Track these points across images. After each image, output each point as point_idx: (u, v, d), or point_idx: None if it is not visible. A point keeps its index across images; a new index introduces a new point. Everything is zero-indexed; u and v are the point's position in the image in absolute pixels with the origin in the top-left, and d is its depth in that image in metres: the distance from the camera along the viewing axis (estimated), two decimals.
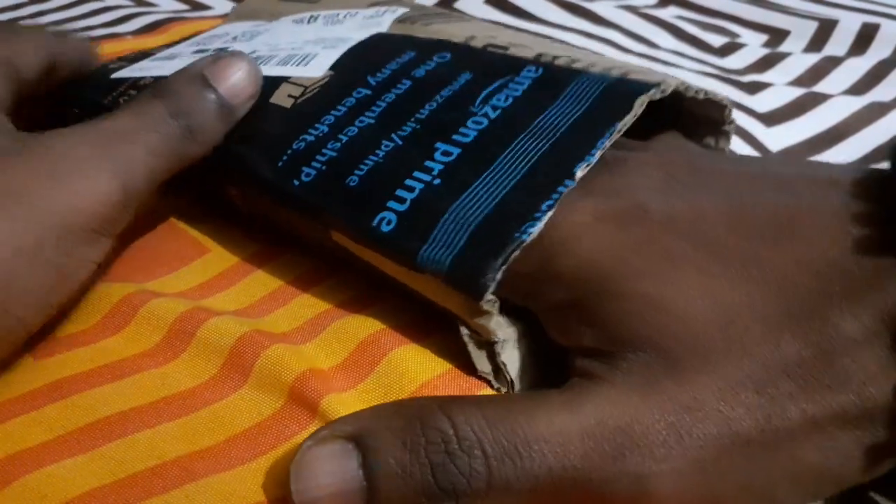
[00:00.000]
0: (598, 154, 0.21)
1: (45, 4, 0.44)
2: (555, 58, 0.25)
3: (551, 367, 0.21)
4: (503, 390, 0.21)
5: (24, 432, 0.20)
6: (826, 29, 0.44)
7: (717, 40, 0.44)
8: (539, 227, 0.20)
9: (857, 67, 0.40)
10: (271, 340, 0.22)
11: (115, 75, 0.31)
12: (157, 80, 0.26)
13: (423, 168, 0.22)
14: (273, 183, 0.24)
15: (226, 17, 0.43)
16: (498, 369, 0.21)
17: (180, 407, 0.20)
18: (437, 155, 0.22)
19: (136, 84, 0.29)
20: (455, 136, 0.23)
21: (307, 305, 0.24)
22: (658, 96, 0.22)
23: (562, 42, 0.31)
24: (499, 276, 0.20)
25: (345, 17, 0.32)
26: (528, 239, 0.20)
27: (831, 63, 0.41)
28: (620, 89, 0.23)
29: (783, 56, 0.42)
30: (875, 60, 0.40)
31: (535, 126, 0.23)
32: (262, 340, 0.22)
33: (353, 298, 0.24)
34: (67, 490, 0.18)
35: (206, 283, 0.25)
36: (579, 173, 0.21)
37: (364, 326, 0.22)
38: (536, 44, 0.27)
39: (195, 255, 0.26)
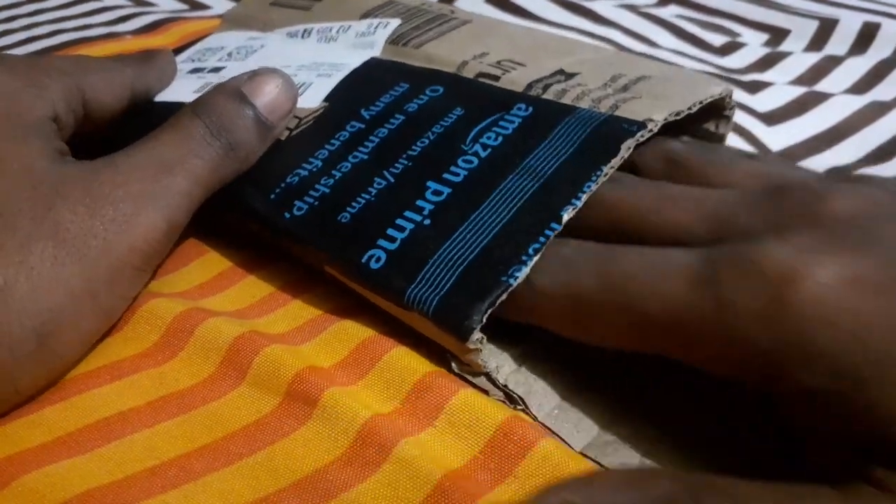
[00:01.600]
0: (584, 198, 0.21)
1: (44, 3, 0.44)
2: (546, 87, 0.25)
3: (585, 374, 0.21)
4: (519, 407, 0.21)
5: (24, 434, 0.19)
6: (827, 28, 0.44)
7: (717, 39, 0.44)
8: (525, 270, 0.20)
9: (857, 67, 0.40)
10: (269, 341, 0.22)
11: None
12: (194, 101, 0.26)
13: (414, 208, 0.22)
14: (264, 215, 0.24)
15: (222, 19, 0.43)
16: (507, 393, 0.21)
17: (178, 406, 0.20)
18: (428, 194, 0.23)
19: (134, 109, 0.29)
20: (446, 175, 0.23)
21: (305, 308, 0.24)
22: (646, 137, 0.23)
23: (558, 37, 0.31)
24: (484, 318, 0.20)
25: (337, 31, 0.32)
26: (515, 283, 0.20)
27: (832, 62, 0.41)
28: (608, 131, 0.23)
29: (784, 55, 0.42)
30: (876, 60, 0.40)
31: (523, 166, 0.23)
32: (259, 340, 0.21)
33: (351, 304, 0.24)
34: (66, 490, 0.18)
35: (204, 283, 0.25)
36: (566, 216, 0.21)
37: (363, 328, 0.22)
38: (529, 56, 0.27)
39: (194, 256, 0.26)
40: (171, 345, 0.22)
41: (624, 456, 0.20)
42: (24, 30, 0.41)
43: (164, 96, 0.30)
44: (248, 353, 0.21)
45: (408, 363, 0.21)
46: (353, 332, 0.22)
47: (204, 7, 0.46)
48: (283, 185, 0.24)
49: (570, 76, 0.26)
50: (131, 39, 0.40)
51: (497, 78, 0.26)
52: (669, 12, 0.47)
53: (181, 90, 0.30)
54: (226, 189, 0.24)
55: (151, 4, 0.46)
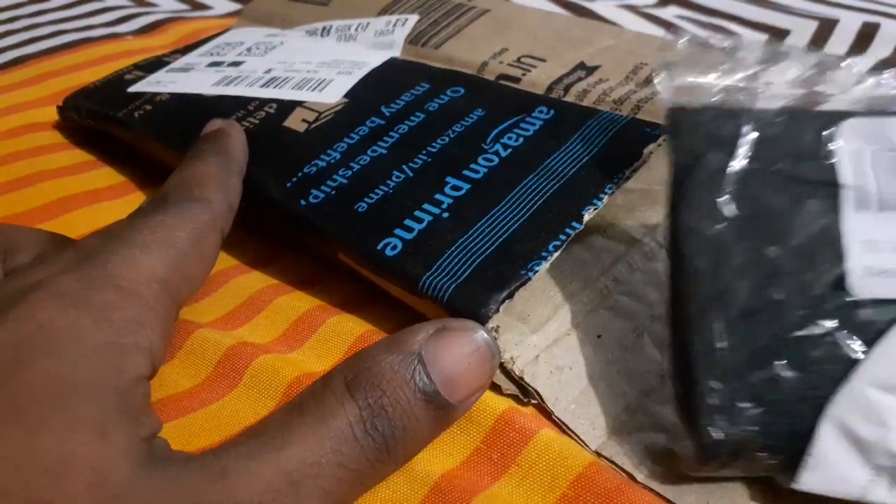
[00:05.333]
0: (605, 199, 0.22)
1: (45, 4, 0.44)
2: (567, 87, 0.25)
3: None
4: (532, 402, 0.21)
5: None
6: (826, 28, 0.44)
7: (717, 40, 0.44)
8: (545, 265, 0.20)
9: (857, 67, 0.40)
10: (259, 350, 0.22)
11: (131, 89, 0.31)
12: None
13: (432, 201, 0.23)
14: (279, 202, 0.24)
15: (228, 18, 0.44)
16: (521, 386, 0.21)
17: (177, 409, 0.20)
18: (448, 189, 0.23)
19: (152, 99, 0.30)
20: (465, 172, 0.23)
21: (285, 309, 0.24)
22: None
23: (577, 21, 0.30)
24: (500, 308, 0.20)
25: (356, 30, 0.32)
26: (534, 276, 0.20)
27: None
28: (629, 135, 0.23)
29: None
30: (875, 60, 0.40)
31: (544, 167, 0.23)
32: (251, 350, 0.22)
33: (339, 303, 0.24)
34: None
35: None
36: (587, 216, 0.21)
37: (353, 327, 0.22)
38: (549, 50, 0.27)
39: None
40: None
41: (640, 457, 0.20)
42: (26, 30, 0.41)
43: (181, 88, 0.30)
44: (241, 365, 0.21)
45: None
46: (348, 330, 0.22)
47: (205, 7, 0.46)
48: (300, 174, 0.24)
49: (592, 70, 0.26)
50: (132, 40, 0.40)
51: (518, 80, 0.27)
52: (669, 12, 0.47)
53: (199, 83, 0.30)
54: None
55: (153, 5, 0.46)
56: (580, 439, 0.20)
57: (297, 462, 0.15)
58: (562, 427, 0.20)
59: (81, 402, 0.15)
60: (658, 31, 0.45)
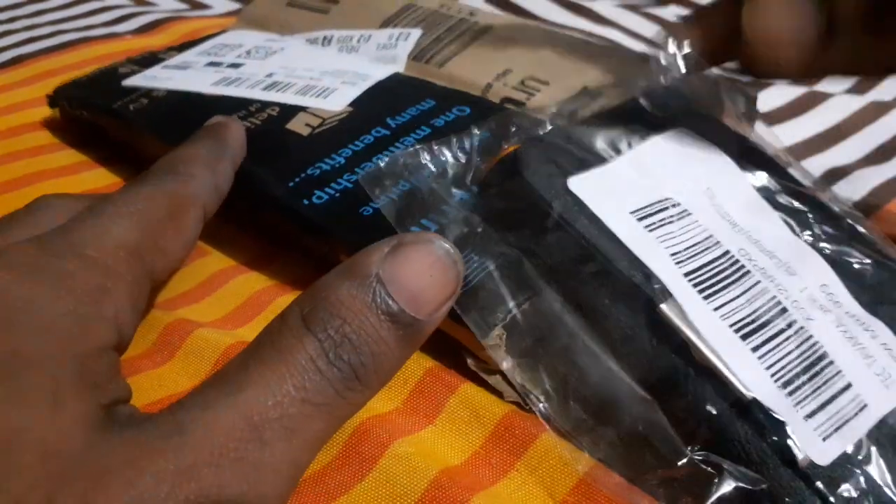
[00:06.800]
0: None
1: (45, 4, 0.44)
2: (571, 114, 0.25)
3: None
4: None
5: None
6: None
7: None
8: None
9: None
10: None
11: (126, 82, 0.31)
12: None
13: (439, 212, 0.22)
14: (281, 200, 0.24)
15: (227, 17, 0.43)
16: (523, 393, 0.21)
17: None
18: (454, 201, 0.23)
19: (148, 94, 0.29)
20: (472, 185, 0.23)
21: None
22: None
23: (578, 42, 0.31)
24: (508, 317, 0.20)
25: (358, 41, 0.32)
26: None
27: None
28: None
29: None
30: None
31: None
32: None
33: None
34: None
35: (188, 292, 0.25)
36: None
37: None
38: (552, 72, 0.28)
39: (194, 257, 0.26)
40: (169, 344, 0.22)
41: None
42: (26, 30, 0.41)
43: (178, 85, 0.30)
44: None
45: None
46: None
47: (204, 7, 0.46)
48: (303, 175, 0.24)
49: (596, 96, 0.26)
50: (131, 39, 0.40)
51: (522, 104, 0.27)
52: (670, 12, 0.47)
53: (198, 81, 0.30)
54: (239, 178, 0.23)
55: (152, 4, 0.46)
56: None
57: (257, 405, 0.14)
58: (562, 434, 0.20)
59: (33, 374, 0.14)
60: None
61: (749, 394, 0.18)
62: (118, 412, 0.15)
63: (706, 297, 0.19)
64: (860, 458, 0.18)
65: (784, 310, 0.19)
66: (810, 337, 0.19)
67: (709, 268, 0.20)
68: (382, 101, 0.28)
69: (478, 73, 0.29)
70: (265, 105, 0.28)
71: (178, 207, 0.19)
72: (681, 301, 0.19)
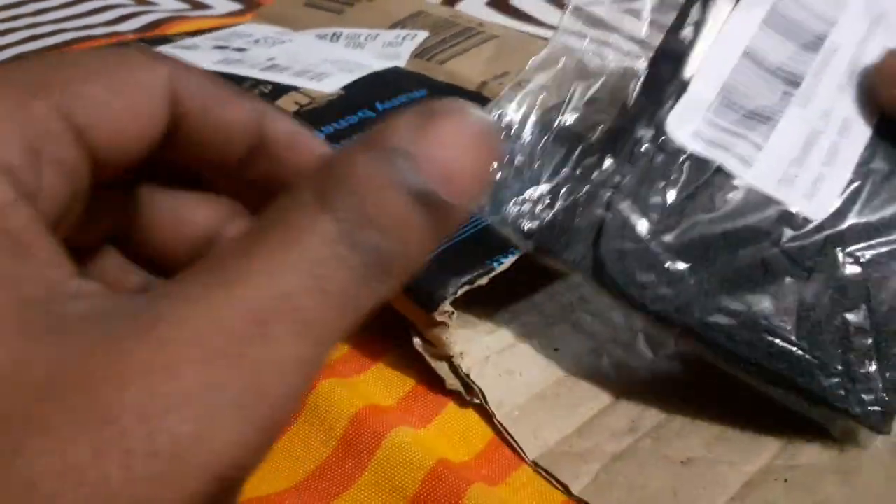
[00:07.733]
0: None
1: (47, 3, 0.44)
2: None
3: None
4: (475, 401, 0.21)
5: None
6: None
7: None
8: (511, 259, 0.21)
9: None
10: None
11: None
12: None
13: None
14: None
15: (227, 17, 0.44)
16: (466, 384, 0.21)
17: None
18: None
19: None
20: None
21: None
22: None
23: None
24: (459, 292, 0.20)
25: (365, 39, 0.33)
26: (499, 268, 0.20)
27: None
28: None
29: None
30: None
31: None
32: None
33: None
34: None
35: None
36: None
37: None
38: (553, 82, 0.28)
39: None
40: None
41: (579, 472, 0.20)
42: (27, 28, 0.41)
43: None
44: None
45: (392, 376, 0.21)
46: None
47: (205, 7, 0.46)
48: None
49: (592, 102, 0.26)
50: (133, 38, 0.40)
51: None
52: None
53: (200, 59, 0.30)
54: None
55: (153, 3, 0.46)
56: (518, 446, 0.20)
57: (264, 296, 0.12)
58: (500, 432, 0.20)
59: None
60: None
61: None
62: (57, 293, 0.12)
63: None
64: None
65: None
66: None
67: None
68: (376, 87, 0.28)
69: (476, 72, 0.30)
70: (258, 83, 0.28)
71: (127, 63, 0.14)
72: None
